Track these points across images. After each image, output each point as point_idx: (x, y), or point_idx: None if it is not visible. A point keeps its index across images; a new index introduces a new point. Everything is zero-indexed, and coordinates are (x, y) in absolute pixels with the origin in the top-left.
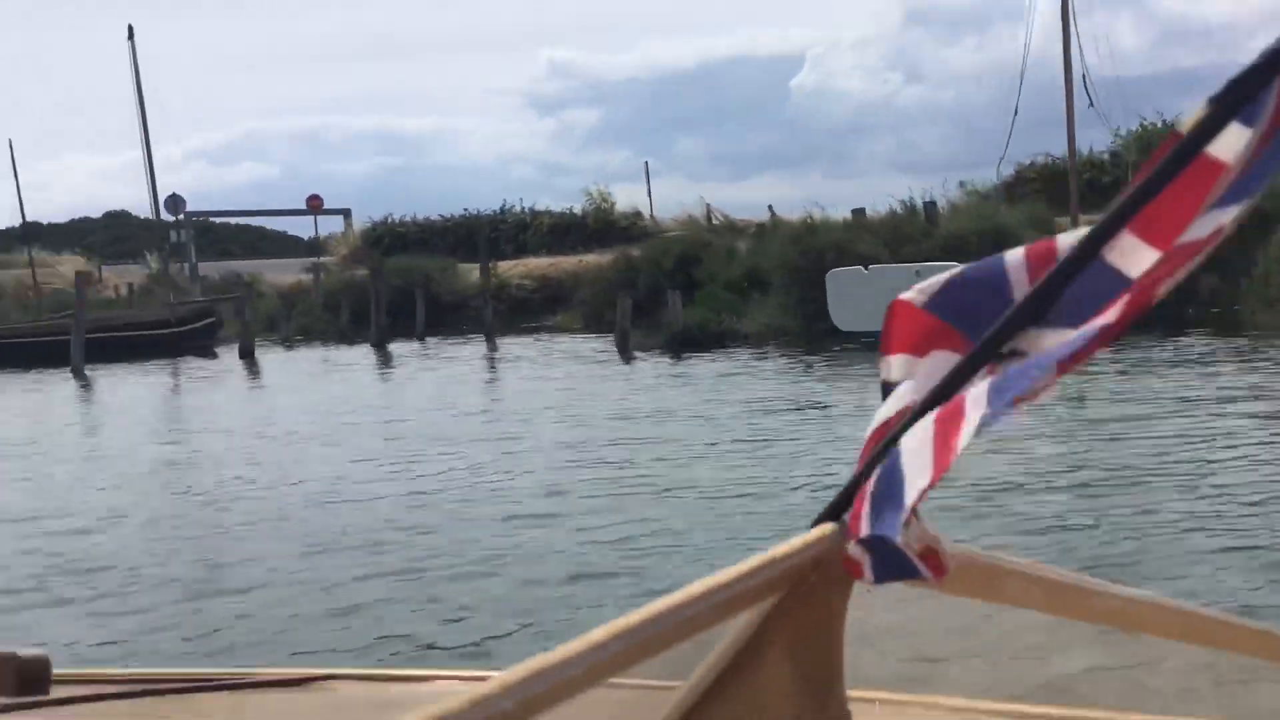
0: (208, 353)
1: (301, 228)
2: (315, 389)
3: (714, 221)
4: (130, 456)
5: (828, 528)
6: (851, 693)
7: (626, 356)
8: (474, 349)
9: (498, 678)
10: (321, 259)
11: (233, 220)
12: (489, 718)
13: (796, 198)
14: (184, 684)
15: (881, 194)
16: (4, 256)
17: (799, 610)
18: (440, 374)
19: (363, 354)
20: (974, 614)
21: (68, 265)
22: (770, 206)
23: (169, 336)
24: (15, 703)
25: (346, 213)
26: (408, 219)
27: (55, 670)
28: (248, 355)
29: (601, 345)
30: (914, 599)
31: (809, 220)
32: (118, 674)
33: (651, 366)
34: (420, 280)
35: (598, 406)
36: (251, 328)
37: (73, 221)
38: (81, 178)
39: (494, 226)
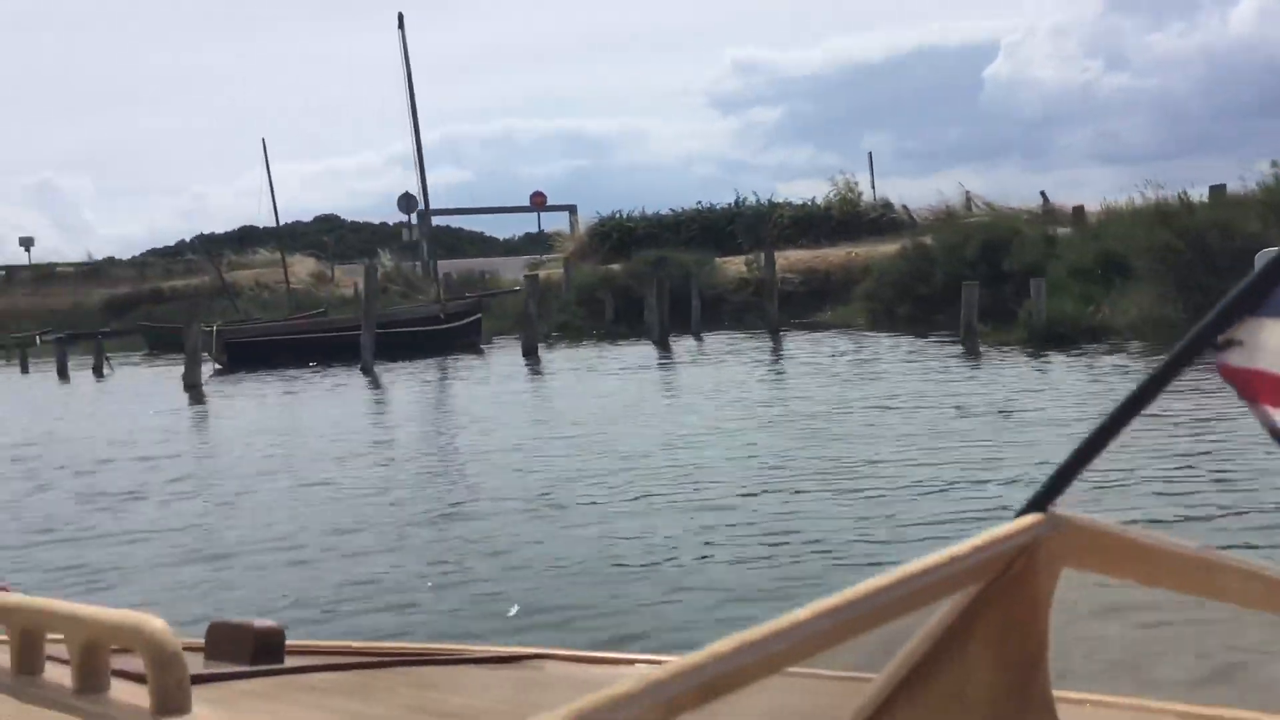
0: (474, 349)
1: (498, 227)
2: (645, 387)
3: (974, 209)
4: (541, 452)
5: (1035, 517)
6: (1057, 692)
7: (972, 353)
8: (759, 344)
9: (681, 659)
10: (544, 256)
11: (445, 220)
12: (671, 698)
13: (986, 191)
14: (406, 658)
15: (1079, 186)
16: (239, 258)
17: (1003, 600)
18: (764, 369)
19: (646, 352)
20: (1186, 610)
21: (299, 266)
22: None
23: (440, 333)
24: (252, 670)
25: (572, 209)
26: (635, 214)
27: (289, 641)
28: (531, 353)
29: (913, 342)
30: (1121, 593)
31: (1182, 197)
32: (344, 645)
33: (1018, 365)
34: (679, 275)
35: (1024, 408)
36: (536, 324)
37: (286, 225)
38: (294, 182)
39: (728, 220)
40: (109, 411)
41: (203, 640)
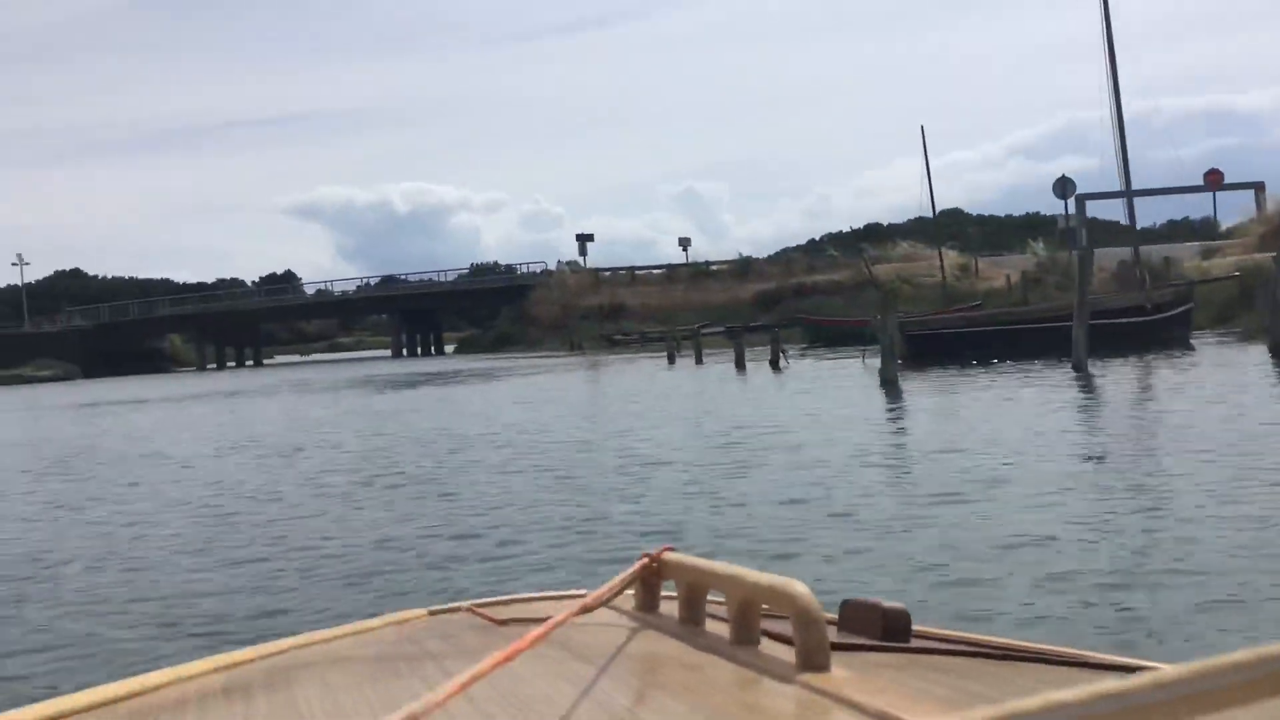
0: (1183, 343)
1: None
2: None
3: None
4: None
5: None
6: None
7: None
8: None
9: (1156, 672)
10: (1221, 242)
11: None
12: (1130, 709)
13: None
14: (1029, 655)
15: None
16: (879, 252)
17: None
18: None
19: None
20: None
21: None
22: None
23: (1145, 325)
24: (881, 645)
25: (1258, 186)
26: None
27: (915, 626)
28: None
29: None
30: None
31: None
32: (969, 636)
33: None
34: None
35: None
36: None
37: (913, 220)
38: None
39: None
40: (821, 406)
41: (836, 615)
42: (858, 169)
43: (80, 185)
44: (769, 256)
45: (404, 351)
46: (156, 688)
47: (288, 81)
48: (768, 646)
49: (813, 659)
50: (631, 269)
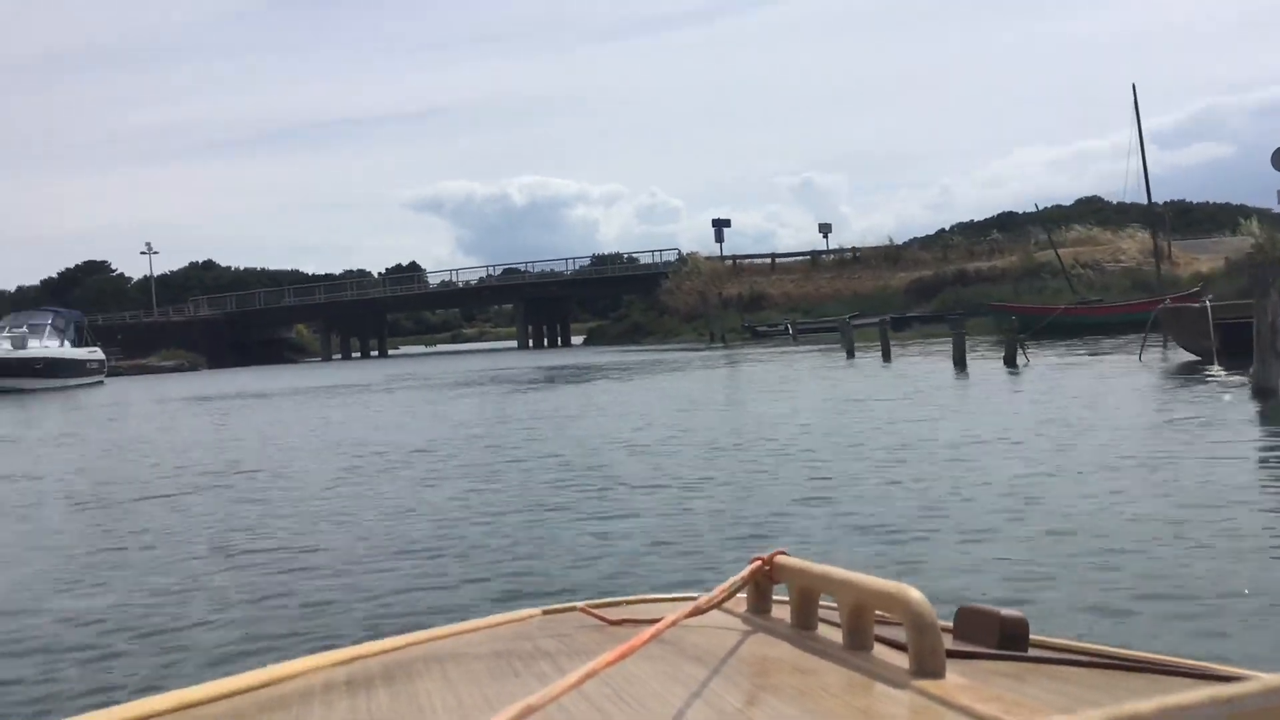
0: None
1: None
2: None
3: None
4: None
5: None
6: None
7: None
8: None
9: (1266, 678)
10: None
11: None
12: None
13: None
14: (1146, 665)
15: None
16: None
17: None
18: None
19: None
20: None
21: (1126, 243)
22: None
23: None
24: (997, 653)
25: None
26: None
27: (1032, 635)
28: None
29: None
30: None
31: None
32: (1087, 646)
33: None
34: None
35: None
36: None
37: (1045, 209)
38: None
39: None
40: (1206, 438)
41: (951, 623)
42: (981, 159)
43: (206, 182)
44: (921, 240)
45: (530, 342)
46: (283, 679)
47: (406, 79)
48: (881, 652)
49: (927, 665)
50: (772, 255)
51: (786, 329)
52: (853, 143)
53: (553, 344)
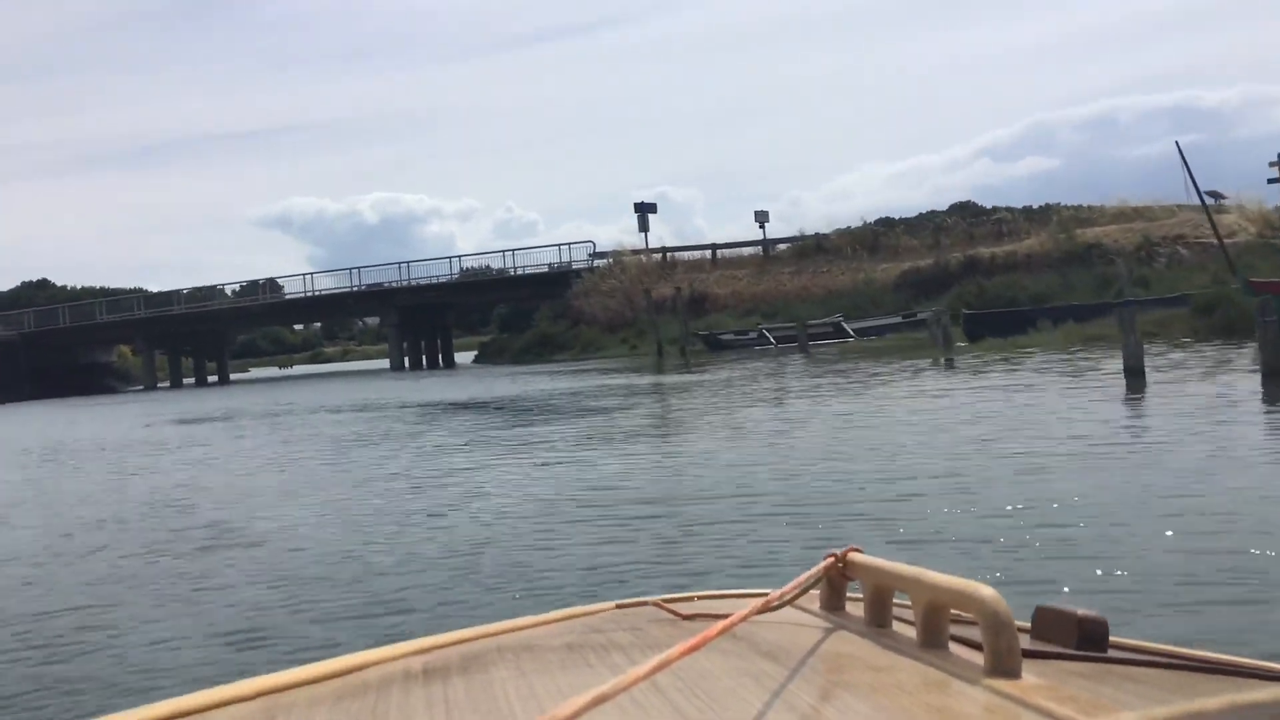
0: None
1: None
2: None
3: None
4: None
5: None
6: None
7: None
8: None
9: None
10: None
11: None
12: None
13: None
14: (1226, 668)
15: None
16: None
17: None
18: None
19: None
20: None
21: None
22: None
23: None
24: (1075, 654)
25: None
26: None
27: (1111, 637)
28: None
29: None
30: None
31: None
32: (1167, 648)
33: None
34: None
35: None
36: None
37: None
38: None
39: None
40: None
41: (1029, 623)
42: (826, 174)
43: (44, 202)
44: (906, 222)
45: (405, 362)
46: (362, 667)
47: (252, 97)
48: (956, 650)
49: (1002, 664)
50: (712, 246)
51: (763, 335)
52: (705, 158)
53: (433, 364)
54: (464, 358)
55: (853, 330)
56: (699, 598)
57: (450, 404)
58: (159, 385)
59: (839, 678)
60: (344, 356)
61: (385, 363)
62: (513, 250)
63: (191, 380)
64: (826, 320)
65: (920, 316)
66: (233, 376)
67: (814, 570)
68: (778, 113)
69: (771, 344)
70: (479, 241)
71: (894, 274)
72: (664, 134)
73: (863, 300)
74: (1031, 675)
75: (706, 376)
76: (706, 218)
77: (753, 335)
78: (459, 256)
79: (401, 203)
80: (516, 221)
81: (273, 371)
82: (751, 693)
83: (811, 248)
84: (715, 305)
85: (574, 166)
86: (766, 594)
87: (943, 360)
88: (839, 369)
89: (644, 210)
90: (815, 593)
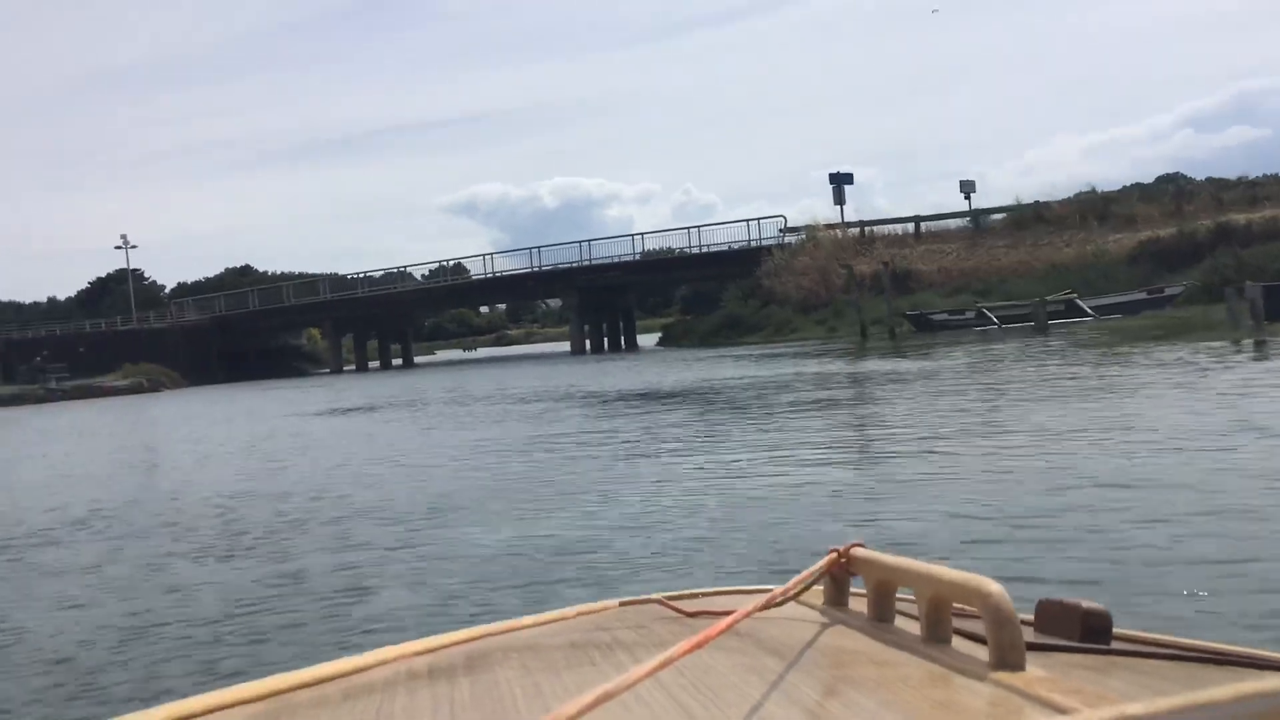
0: None
1: None
2: None
3: None
4: None
5: None
6: None
7: None
8: None
9: None
10: None
11: None
12: None
13: None
14: (1233, 659)
15: None
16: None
17: None
18: None
19: None
20: None
21: None
22: None
23: None
24: (1078, 646)
25: None
26: None
27: (1115, 629)
28: None
29: None
30: None
31: None
32: (1172, 639)
33: None
34: None
35: None
36: None
37: None
38: None
39: None
40: None
41: (1032, 615)
42: (1015, 149)
43: (243, 194)
44: (1141, 188)
45: (587, 344)
46: (367, 667)
47: (436, 89)
48: (960, 645)
49: (1007, 658)
50: (915, 219)
51: (983, 314)
52: (883, 136)
53: (615, 346)
54: (647, 340)
55: (1090, 308)
56: (703, 595)
57: (626, 394)
58: (345, 369)
59: (843, 673)
60: (527, 339)
61: (566, 345)
62: (697, 228)
63: (376, 364)
64: (1058, 297)
65: (1169, 292)
66: (417, 359)
67: (817, 566)
68: (959, 86)
69: (995, 324)
70: (658, 224)
71: (1129, 245)
72: (840, 113)
73: (1093, 275)
74: (1036, 668)
75: (938, 363)
76: (887, 197)
77: (970, 315)
78: (640, 234)
79: (580, 187)
80: (694, 204)
81: (456, 354)
82: (756, 689)
83: (1030, 218)
84: (920, 283)
85: (750, 148)
86: (770, 590)
87: (1249, 343)
88: (1115, 353)
89: (839, 181)
90: (819, 589)
